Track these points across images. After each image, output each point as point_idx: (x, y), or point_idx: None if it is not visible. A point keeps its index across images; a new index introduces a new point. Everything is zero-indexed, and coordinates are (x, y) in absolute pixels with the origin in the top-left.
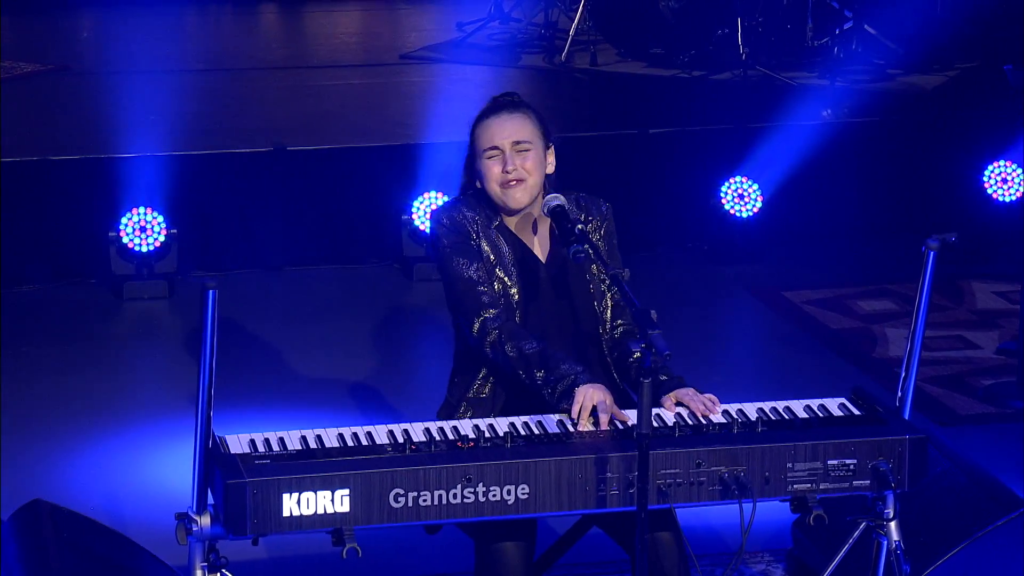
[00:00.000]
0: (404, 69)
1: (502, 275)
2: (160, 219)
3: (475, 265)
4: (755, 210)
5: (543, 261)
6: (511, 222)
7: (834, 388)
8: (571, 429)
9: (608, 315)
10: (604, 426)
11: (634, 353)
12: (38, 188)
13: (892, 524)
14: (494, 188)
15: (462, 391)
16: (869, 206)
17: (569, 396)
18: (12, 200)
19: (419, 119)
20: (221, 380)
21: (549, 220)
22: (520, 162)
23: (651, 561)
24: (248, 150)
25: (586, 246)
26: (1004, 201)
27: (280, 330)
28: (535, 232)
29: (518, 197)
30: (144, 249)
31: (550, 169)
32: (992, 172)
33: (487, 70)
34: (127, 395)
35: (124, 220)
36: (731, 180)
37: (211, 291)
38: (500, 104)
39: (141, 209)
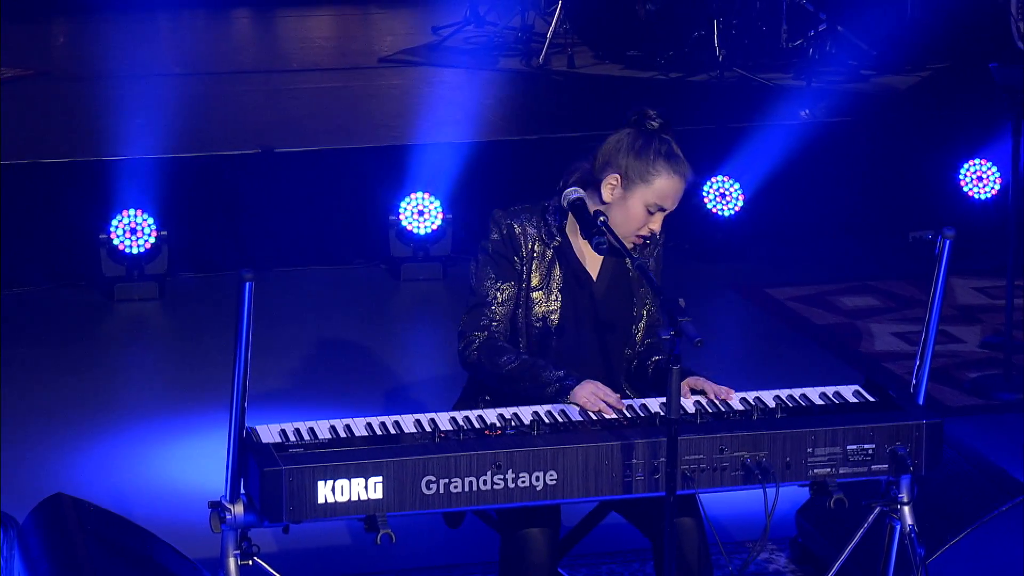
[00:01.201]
0: (383, 72)
1: (544, 298)
2: (150, 221)
3: (500, 284)
4: (737, 209)
5: (594, 279)
6: (576, 240)
7: (825, 383)
8: (594, 417)
9: (639, 336)
10: (611, 412)
11: (652, 357)
12: (29, 192)
13: (906, 508)
14: (627, 234)
15: (481, 386)
16: (849, 204)
17: (558, 399)
18: (2, 204)
19: (403, 121)
20: (215, 379)
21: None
22: (659, 223)
23: None
24: (236, 152)
25: (607, 237)
26: (980, 199)
27: (268, 331)
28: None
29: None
30: (134, 251)
31: None
32: (968, 170)
33: (466, 73)
34: (121, 395)
35: (115, 222)
36: (713, 179)
37: (247, 283)
38: (685, 166)
39: (131, 211)
